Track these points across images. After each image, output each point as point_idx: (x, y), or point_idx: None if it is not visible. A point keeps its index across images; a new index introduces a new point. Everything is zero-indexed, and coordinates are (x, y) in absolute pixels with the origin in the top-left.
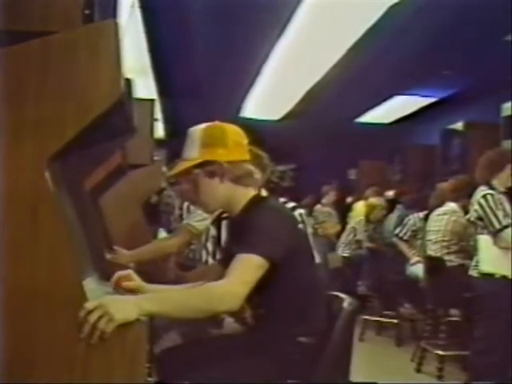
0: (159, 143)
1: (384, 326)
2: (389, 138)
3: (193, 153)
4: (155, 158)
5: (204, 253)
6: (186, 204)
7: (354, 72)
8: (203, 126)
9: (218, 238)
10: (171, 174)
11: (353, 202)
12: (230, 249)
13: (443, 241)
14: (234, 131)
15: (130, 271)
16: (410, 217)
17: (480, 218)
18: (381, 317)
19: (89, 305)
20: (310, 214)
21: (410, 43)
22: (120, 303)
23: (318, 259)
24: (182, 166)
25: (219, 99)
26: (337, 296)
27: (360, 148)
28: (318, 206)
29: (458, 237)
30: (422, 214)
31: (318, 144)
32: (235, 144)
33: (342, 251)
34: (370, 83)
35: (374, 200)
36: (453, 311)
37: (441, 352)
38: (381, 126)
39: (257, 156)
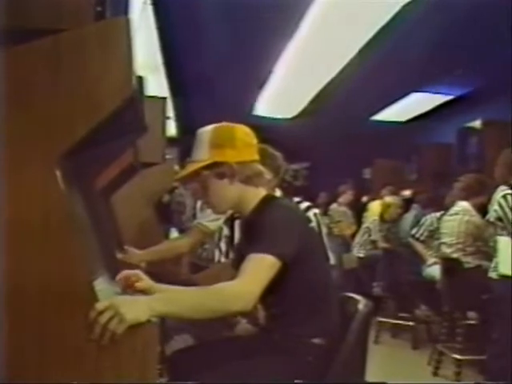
0: (171, 141)
1: (400, 328)
2: (405, 137)
3: (202, 154)
4: (167, 156)
5: (217, 252)
6: (199, 203)
7: (368, 69)
8: (211, 127)
9: (231, 237)
10: (180, 177)
11: (368, 202)
12: (243, 249)
13: (458, 243)
14: (242, 132)
15: (137, 271)
16: (427, 217)
17: (499, 219)
18: (396, 319)
19: (99, 305)
20: (324, 213)
21: (424, 41)
22: (131, 304)
23: (332, 260)
24: (190, 167)
25: (231, 97)
26: (351, 297)
27: (375, 146)
28: (334, 206)
29: (473, 237)
30: (438, 214)
31: (333, 142)
32: (244, 144)
33: (357, 252)
34: (385, 81)
35: (389, 199)
36: (470, 314)
37: (458, 356)
38: (396, 125)
39: (270, 156)
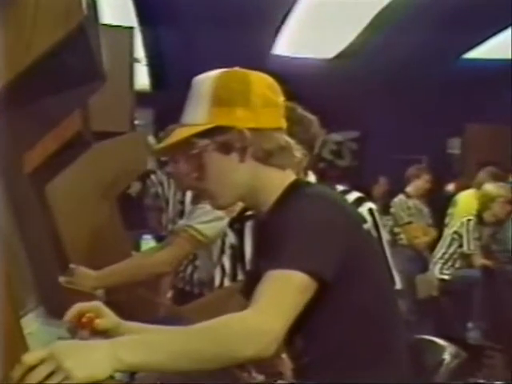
0: (143, 98)
1: None
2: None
3: (198, 115)
4: (136, 121)
5: (218, 272)
6: (188, 195)
7: None
8: (215, 73)
9: (240, 248)
10: (162, 148)
11: (456, 192)
12: (258, 264)
13: None
14: (262, 83)
15: (96, 303)
16: None
17: None
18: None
19: (31, 356)
20: (385, 210)
21: None
22: (83, 353)
23: (399, 283)
24: (180, 134)
25: (239, 27)
26: (431, 342)
27: (465, 104)
28: (400, 198)
29: None
30: None
31: (395, 98)
32: (264, 102)
33: (439, 271)
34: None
35: (490, 187)
36: None
37: None
38: (497, 67)
39: (300, 120)
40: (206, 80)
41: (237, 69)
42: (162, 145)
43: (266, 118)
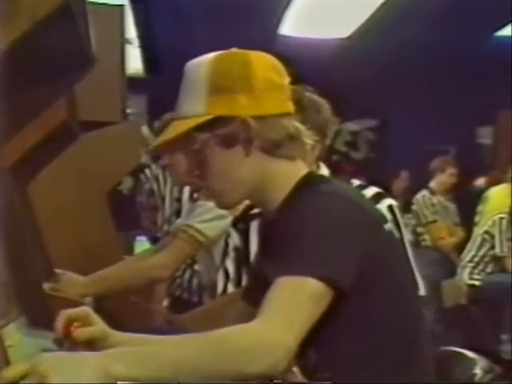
0: (135, 84)
1: None
2: None
3: (195, 105)
4: (128, 110)
5: (220, 277)
6: (186, 192)
7: None
8: (210, 56)
9: (245, 250)
10: (157, 145)
11: (487, 187)
12: (263, 266)
13: None
14: (265, 64)
15: (85, 309)
16: None
17: None
18: None
19: (12, 371)
20: (406, 207)
21: None
22: (69, 367)
23: (423, 289)
24: (176, 128)
25: (241, 5)
26: (461, 355)
27: (497, 87)
28: (424, 195)
29: None
30: None
31: (418, 82)
32: (268, 86)
33: (469, 277)
34: None
35: None
36: None
37: None
38: None
39: (309, 105)
40: (201, 65)
41: (234, 50)
42: (157, 142)
43: (272, 104)
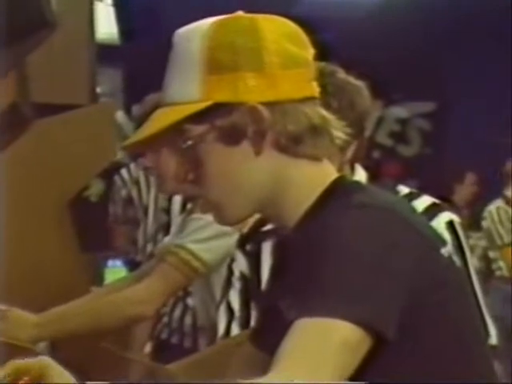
0: (107, 53)
1: None
2: None
3: (188, 88)
4: (98, 89)
5: (222, 314)
6: (176, 201)
7: None
8: (208, 23)
9: (253, 279)
10: (139, 140)
11: None
12: (281, 304)
13: None
14: (279, 32)
15: (43, 359)
16: None
17: None
18: None
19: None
20: (473, 223)
21: None
22: None
23: (494, 336)
24: (163, 119)
25: None
26: None
27: None
28: (498, 206)
29: None
30: None
31: (487, 55)
32: (284, 61)
33: None
34: None
35: None
36: None
37: None
38: None
39: (340, 88)
40: (195, 34)
41: (240, 14)
42: (137, 136)
43: (289, 85)
